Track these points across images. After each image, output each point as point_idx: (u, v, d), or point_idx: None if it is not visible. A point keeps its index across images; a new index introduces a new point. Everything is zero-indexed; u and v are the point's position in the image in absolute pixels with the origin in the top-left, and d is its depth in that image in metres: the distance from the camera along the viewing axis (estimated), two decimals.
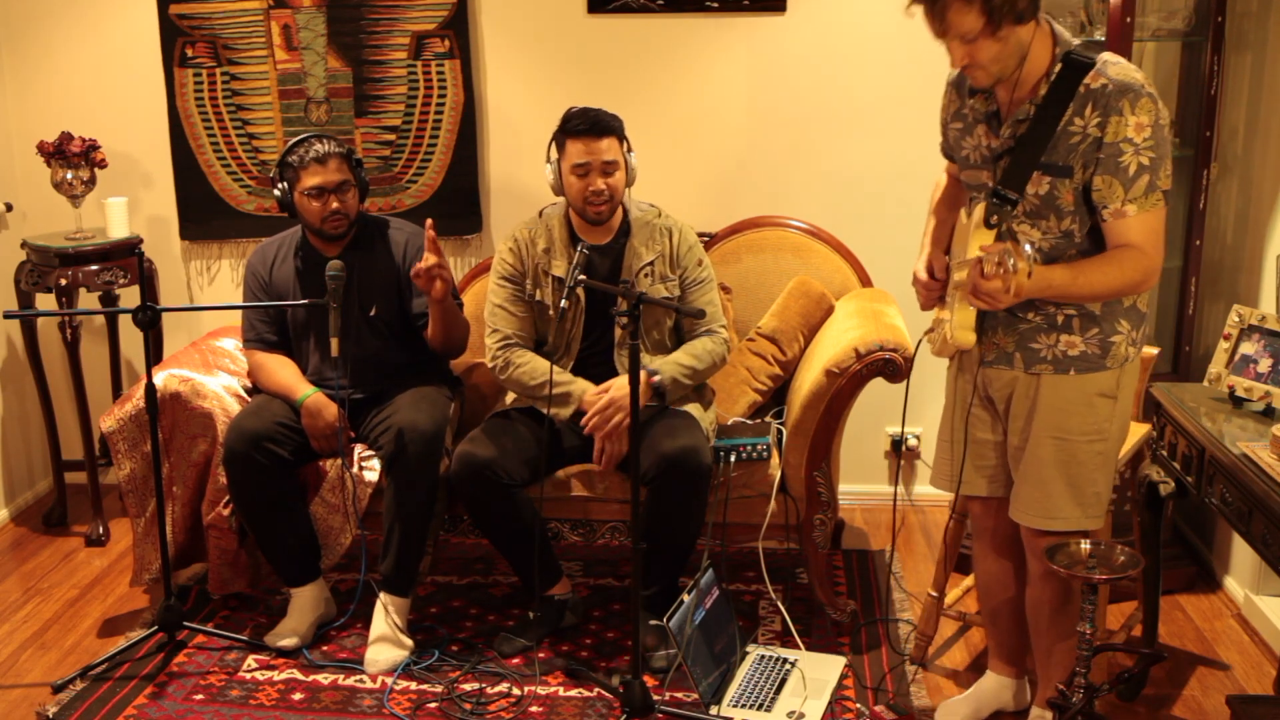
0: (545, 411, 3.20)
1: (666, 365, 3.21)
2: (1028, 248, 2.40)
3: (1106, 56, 2.37)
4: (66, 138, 3.86)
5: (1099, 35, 3.32)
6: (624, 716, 2.82)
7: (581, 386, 3.20)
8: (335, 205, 3.22)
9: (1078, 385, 2.50)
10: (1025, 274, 2.26)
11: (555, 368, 3.20)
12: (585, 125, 3.15)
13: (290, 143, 3.27)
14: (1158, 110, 2.32)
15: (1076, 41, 2.40)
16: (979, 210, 2.46)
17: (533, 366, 3.25)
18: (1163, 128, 2.33)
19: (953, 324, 2.55)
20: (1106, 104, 2.31)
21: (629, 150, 3.25)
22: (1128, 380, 2.54)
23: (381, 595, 3.20)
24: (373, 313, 3.32)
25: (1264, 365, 2.70)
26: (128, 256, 3.92)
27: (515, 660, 3.19)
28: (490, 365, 3.32)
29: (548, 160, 3.25)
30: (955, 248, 2.65)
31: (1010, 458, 2.64)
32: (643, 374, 3.13)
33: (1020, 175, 2.41)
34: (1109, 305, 2.47)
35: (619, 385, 3.14)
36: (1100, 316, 2.47)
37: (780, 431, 3.39)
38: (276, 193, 3.27)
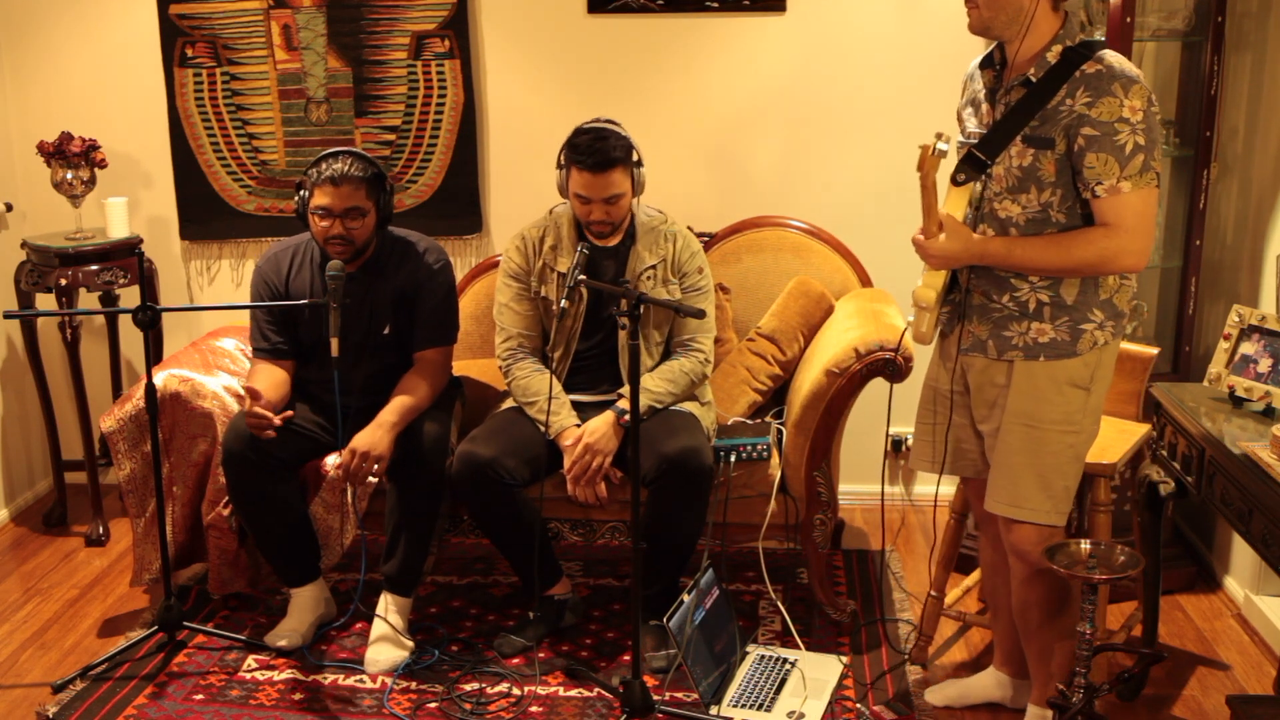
0: (539, 426, 3.21)
1: (642, 396, 3.15)
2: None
3: (1106, 52, 2.43)
4: (66, 138, 3.86)
5: (1099, 35, 3.32)
6: (624, 716, 2.82)
7: (562, 424, 3.18)
8: (338, 230, 3.12)
9: (1048, 372, 2.52)
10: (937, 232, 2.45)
11: (554, 385, 3.20)
12: (590, 161, 3.11)
13: (322, 153, 3.18)
14: (1150, 100, 2.38)
15: (1080, 37, 2.45)
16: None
17: (527, 384, 3.26)
18: (1155, 116, 2.39)
19: (920, 283, 2.60)
20: (1099, 86, 2.37)
21: (638, 163, 3.22)
22: (1102, 374, 2.55)
23: (383, 595, 3.20)
24: (386, 331, 3.29)
25: (1264, 365, 2.70)
26: (128, 256, 3.92)
27: (515, 660, 3.19)
28: (497, 361, 3.34)
29: (558, 166, 3.24)
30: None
31: (986, 446, 2.67)
32: (610, 414, 3.16)
33: (998, 143, 2.48)
34: (1083, 295, 2.50)
35: (591, 430, 3.14)
36: (1072, 305, 2.50)
37: (780, 431, 3.39)
38: (295, 200, 3.22)
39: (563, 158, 3.21)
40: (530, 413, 3.24)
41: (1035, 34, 2.44)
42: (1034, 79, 2.43)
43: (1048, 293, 2.51)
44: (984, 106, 2.57)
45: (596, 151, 3.11)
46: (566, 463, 3.15)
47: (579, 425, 3.18)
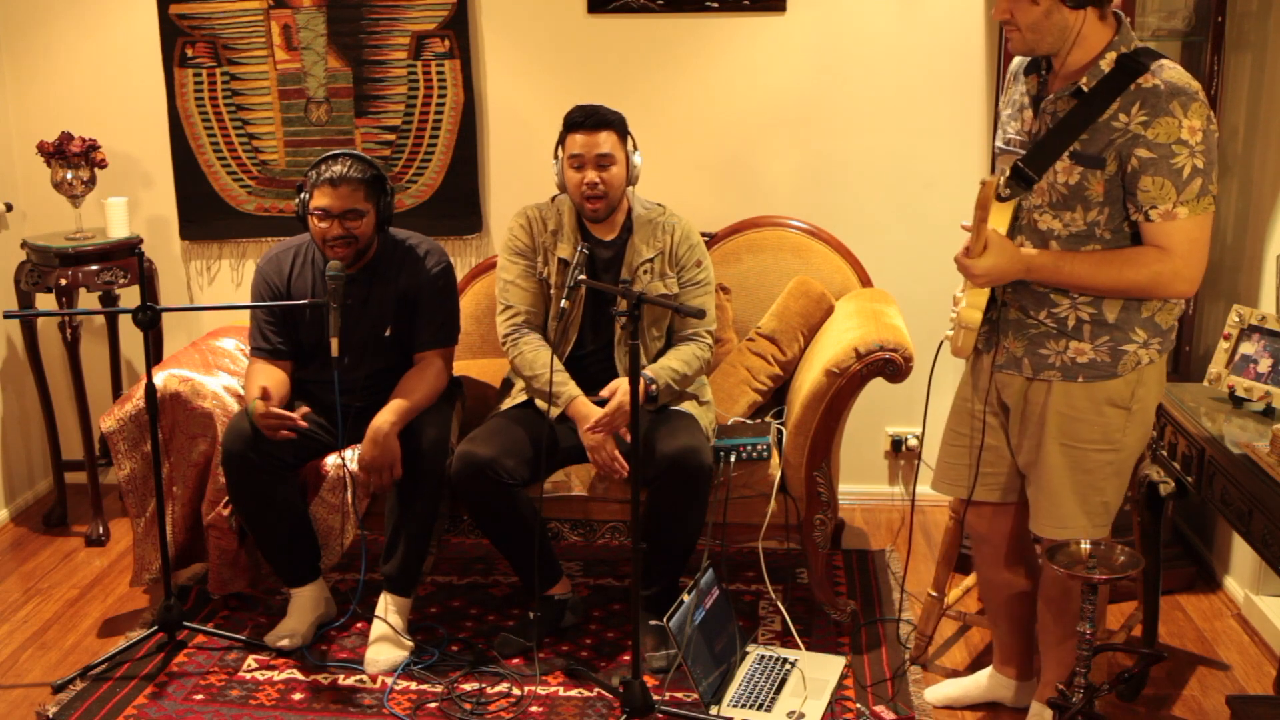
0: (540, 405, 3.21)
1: (660, 371, 3.21)
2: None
3: (1163, 62, 2.32)
4: (66, 138, 3.86)
5: None
6: (624, 716, 2.82)
7: (573, 393, 3.19)
8: (337, 231, 3.12)
9: (1087, 393, 2.46)
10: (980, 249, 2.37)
11: (555, 363, 3.21)
12: (583, 118, 3.20)
13: (322, 155, 3.19)
14: (1209, 118, 2.29)
15: (1136, 44, 2.35)
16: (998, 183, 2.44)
17: (533, 357, 3.26)
18: (1214, 135, 2.29)
19: (964, 303, 2.53)
20: (1156, 104, 2.27)
21: (634, 149, 3.26)
22: (1145, 391, 2.48)
23: (383, 595, 3.21)
24: (387, 333, 3.30)
25: (1264, 365, 2.70)
26: (128, 256, 3.92)
27: (515, 660, 3.19)
28: (500, 339, 3.34)
29: (555, 157, 3.27)
30: None
31: (1024, 468, 2.62)
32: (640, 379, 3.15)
33: (1045, 158, 2.38)
34: (1126, 313, 2.42)
35: (624, 391, 3.12)
36: (1114, 324, 2.43)
37: (780, 431, 3.39)
38: (295, 202, 3.22)
39: (559, 141, 3.25)
40: (534, 386, 3.24)
41: (1084, 46, 2.33)
42: (1085, 89, 2.33)
43: (1089, 309, 2.43)
44: (1026, 113, 2.49)
45: (591, 114, 3.20)
46: (594, 423, 3.11)
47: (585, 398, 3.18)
